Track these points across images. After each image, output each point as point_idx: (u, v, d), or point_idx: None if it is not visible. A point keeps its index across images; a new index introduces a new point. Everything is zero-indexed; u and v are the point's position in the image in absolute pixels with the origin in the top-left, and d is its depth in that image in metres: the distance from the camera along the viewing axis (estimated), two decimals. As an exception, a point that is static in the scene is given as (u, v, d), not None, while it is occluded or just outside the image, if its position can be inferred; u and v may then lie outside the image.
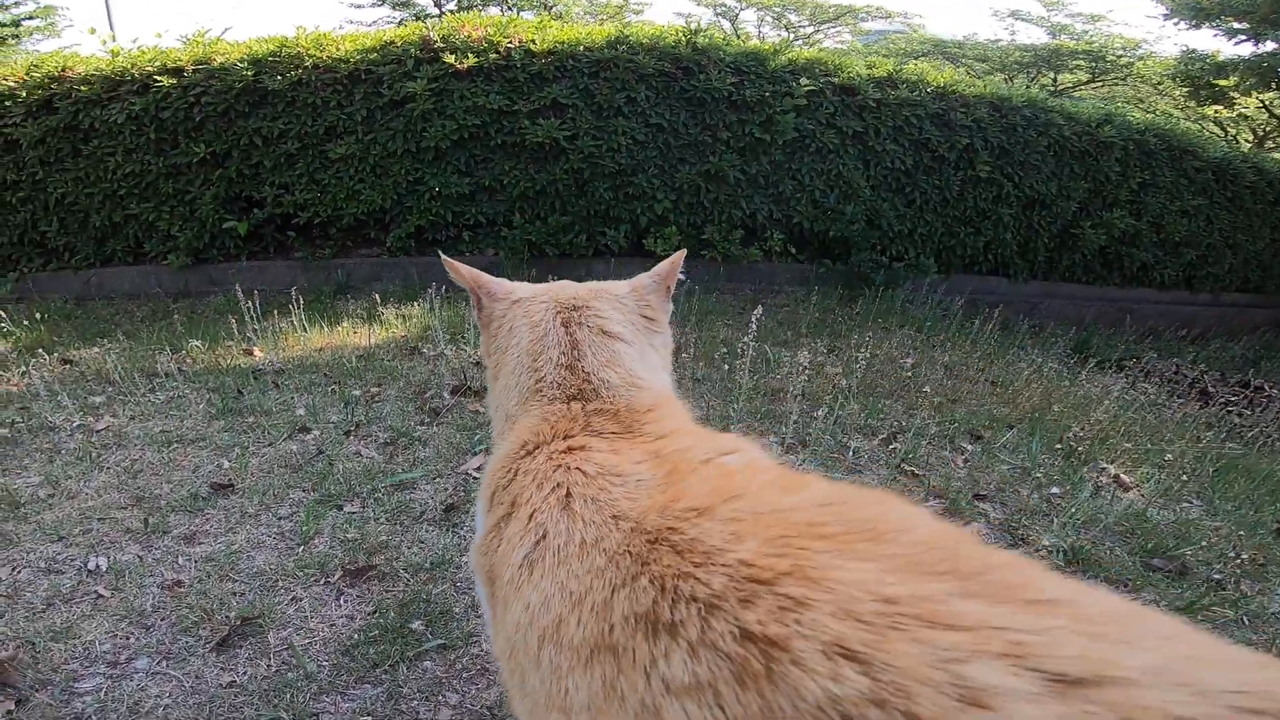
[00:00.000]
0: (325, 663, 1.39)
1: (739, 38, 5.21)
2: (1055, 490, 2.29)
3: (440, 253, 0.95)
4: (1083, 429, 2.70)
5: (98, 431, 2.46)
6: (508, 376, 0.84)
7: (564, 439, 0.73)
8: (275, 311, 3.97)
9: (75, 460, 2.19)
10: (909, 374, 3.30)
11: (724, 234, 4.99)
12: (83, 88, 4.39)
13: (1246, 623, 1.76)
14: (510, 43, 4.61)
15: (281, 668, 1.38)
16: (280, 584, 1.60)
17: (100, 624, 1.49)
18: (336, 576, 1.61)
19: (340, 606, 1.54)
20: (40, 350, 3.61)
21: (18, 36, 11.02)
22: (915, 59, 10.62)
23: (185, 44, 4.80)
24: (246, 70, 4.41)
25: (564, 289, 0.90)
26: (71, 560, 1.67)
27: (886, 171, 5.03)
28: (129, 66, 4.45)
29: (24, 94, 4.42)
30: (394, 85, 4.49)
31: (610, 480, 0.66)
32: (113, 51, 4.64)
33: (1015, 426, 2.81)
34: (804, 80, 4.72)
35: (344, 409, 2.62)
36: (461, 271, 0.93)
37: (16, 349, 3.66)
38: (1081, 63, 11.82)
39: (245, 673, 1.37)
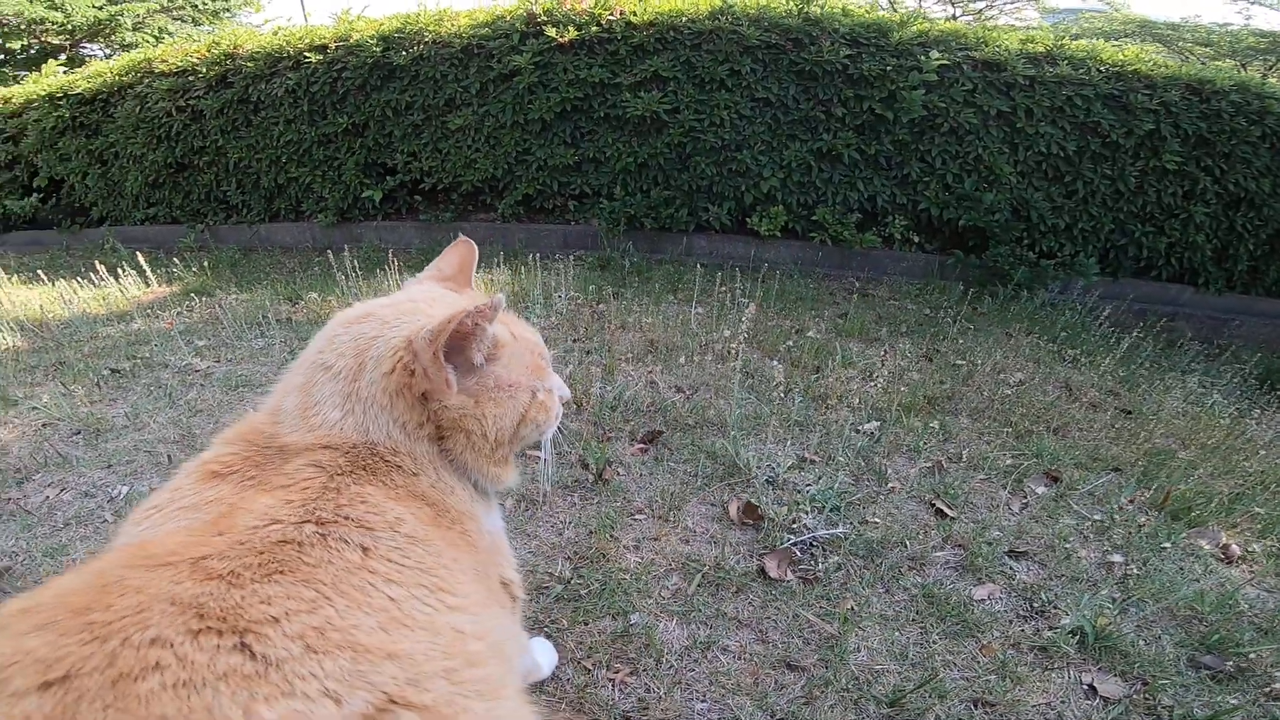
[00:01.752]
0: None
1: (869, 8, 4.64)
2: (1118, 558, 1.81)
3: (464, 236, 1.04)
4: (1206, 480, 2.12)
5: (194, 371, 2.87)
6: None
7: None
8: (379, 270, 4.33)
9: (159, 396, 2.57)
10: (1010, 391, 2.80)
11: (837, 216, 4.58)
12: (249, 64, 5.04)
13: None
14: (611, 15, 4.55)
15: None
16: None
17: (91, 545, 1.74)
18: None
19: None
20: (199, 294, 4.29)
21: (229, 10, 12.77)
22: (1114, 40, 8.91)
23: (335, 21, 5.30)
24: (376, 47, 4.78)
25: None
26: (106, 487, 1.98)
27: (1040, 157, 4.27)
28: (285, 44, 5.03)
29: (205, 70, 5.18)
30: (503, 59, 4.62)
31: None
32: (274, 30, 5.25)
33: (1121, 470, 2.27)
34: (935, 54, 4.13)
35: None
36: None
37: (184, 291, 4.37)
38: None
39: None
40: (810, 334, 3.30)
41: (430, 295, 0.89)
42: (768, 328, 3.37)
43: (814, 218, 4.64)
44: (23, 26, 10.65)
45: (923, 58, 4.16)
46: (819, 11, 4.42)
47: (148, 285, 4.38)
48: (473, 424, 0.79)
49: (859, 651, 1.48)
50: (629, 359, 2.89)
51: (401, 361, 0.76)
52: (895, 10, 4.69)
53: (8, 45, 10.83)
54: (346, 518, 0.65)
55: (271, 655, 0.50)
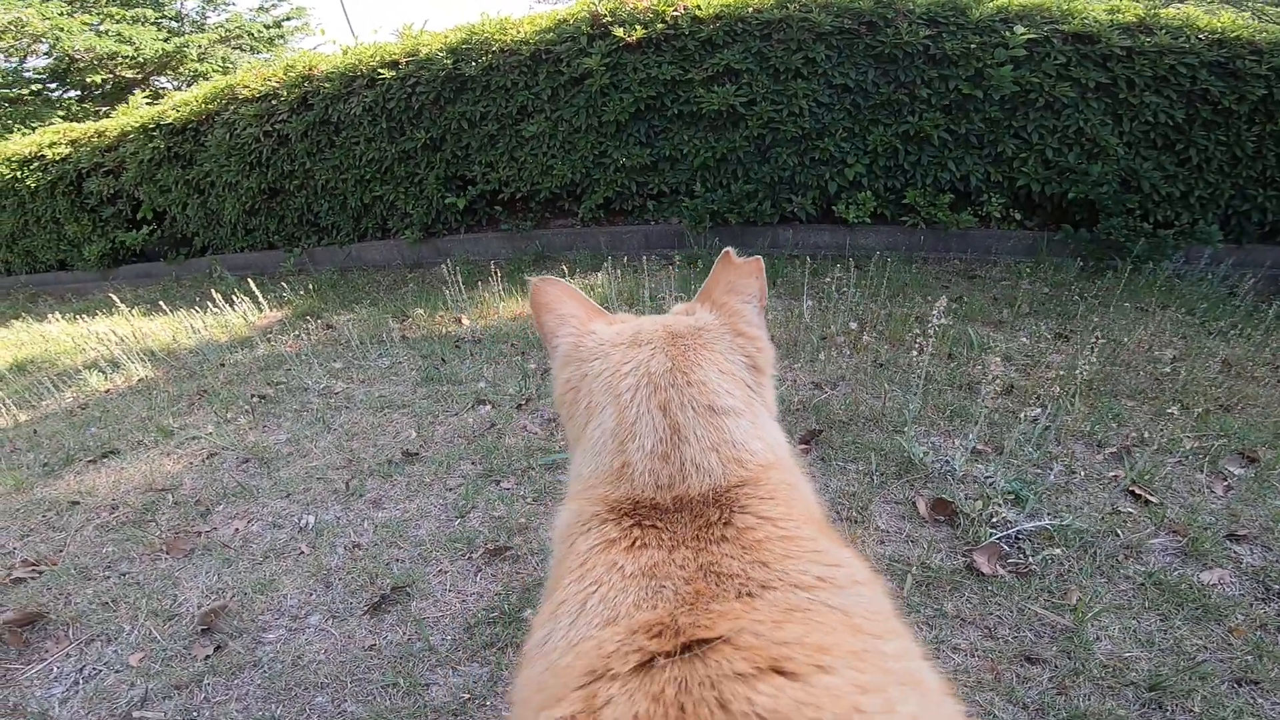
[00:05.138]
0: (448, 637, 1.54)
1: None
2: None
3: (527, 277, 0.88)
4: None
5: (335, 394, 2.97)
6: (588, 452, 0.72)
7: (627, 528, 0.64)
8: (479, 283, 4.41)
9: (313, 421, 2.67)
10: (1167, 370, 2.67)
11: (929, 198, 4.46)
12: (326, 84, 5.19)
13: None
14: (676, 11, 4.53)
15: (412, 637, 1.55)
16: (433, 555, 1.80)
17: (295, 579, 1.78)
18: (479, 553, 1.78)
19: (475, 583, 1.69)
20: (309, 316, 4.45)
21: (283, 37, 13.22)
22: (1173, 4, 8.45)
23: (400, 37, 5.40)
24: (446, 59, 4.87)
25: (651, 343, 0.74)
26: (291, 516, 2.04)
27: (1146, 126, 4.09)
28: (356, 62, 5.15)
29: (285, 93, 5.35)
30: (571, 63, 4.65)
31: (638, 582, 0.59)
32: (344, 49, 5.38)
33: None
34: (1020, 29, 4.00)
35: (520, 381, 2.84)
36: (540, 304, 0.82)
37: (295, 315, 4.54)
38: None
39: (385, 638, 1.56)
40: (934, 320, 3.21)
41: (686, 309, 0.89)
42: (881, 316, 3.30)
43: (904, 201, 4.53)
44: (96, 61, 11.23)
45: (1007, 33, 4.05)
46: None
47: (260, 311, 4.56)
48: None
49: (1100, 641, 1.45)
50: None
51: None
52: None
53: (88, 80, 11.44)
54: (819, 578, 0.58)
55: None
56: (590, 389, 0.75)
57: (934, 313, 2.07)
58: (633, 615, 0.55)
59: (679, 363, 0.72)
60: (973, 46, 4.09)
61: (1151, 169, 4.14)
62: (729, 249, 0.86)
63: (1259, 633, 1.45)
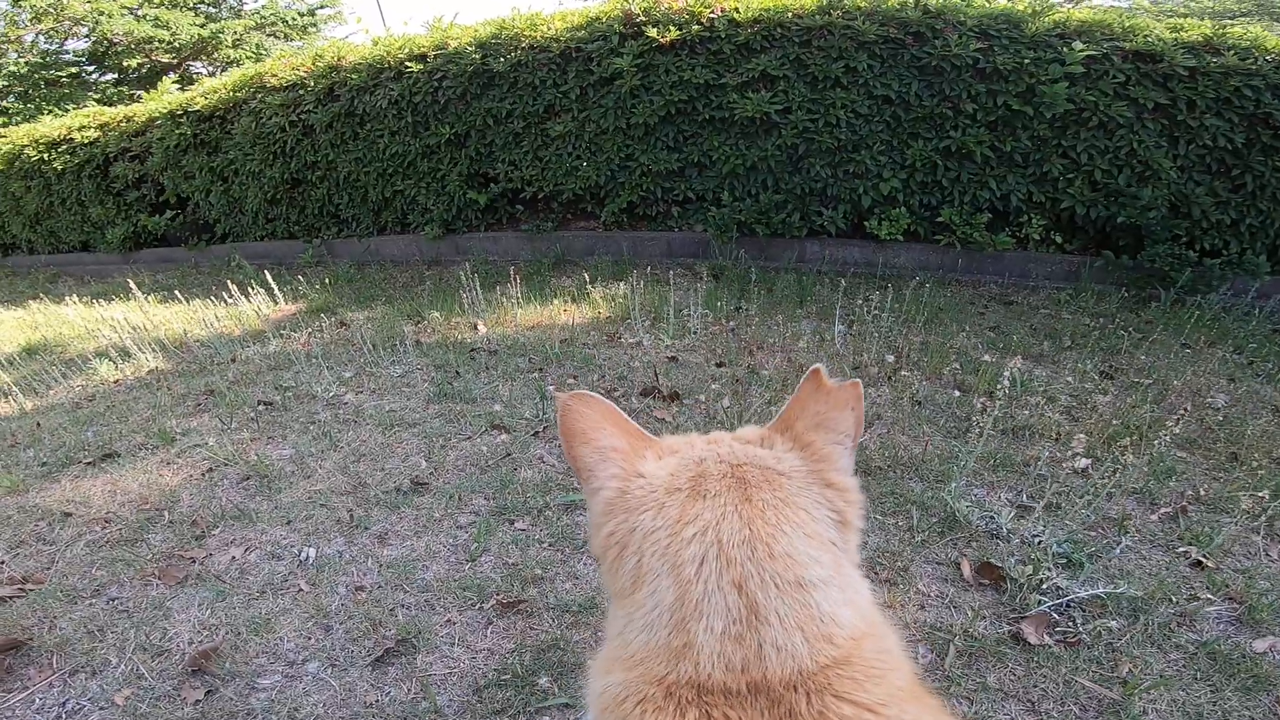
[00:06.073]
0: (455, 698, 1.42)
1: None
2: None
3: (556, 392, 0.72)
4: None
5: (343, 404, 2.87)
6: (637, 620, 0.58)
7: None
8: (498, 287, 4.30)
9: (319, 436, 2.57)
10: (1220, 418, 2.51)
11: (965, 217, 4.29)
12: (354, 76, 5.09)
13: None
14: (712, 13, 4.38)
15: (418, 696, 1.44)
16: (441, 603, 1.68)
17: (293, 620, 1.65)
18: (490, 604, 1.66)
19: (485, 638, 1.57)
20: (323, 312, 4.37)
21: (316, 25, 13.21)
22: (1229, 19, 8.14)
23: (429, 30, 5.29)
24: (474, 54, 4.75)
25: (719, 496, 0.60)
26: (291, 547, 1.92)
27: (1203, 150, 3.89)
28: (384, 54, 5.05)
29: (312, 83, 5.26)
30: (602, 62, 4.53)
31: None
32: (374, 40, 5.29)
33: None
34: (1078, 45, 3.81)
35: (538, 404, 2.72)
36: (574, 432, 0.67)
37: (310, 309, 4.46)
38: None
39: (388, 694, 1.45)
40: (976, 354, 3.06)
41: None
42: (916, 345, 3.15)
43: (939, 219, 4.37)
44: (134, 45, 11.29)
45: (1065, 50, 3.88)
46: (939, 3, 4.14)
47: (275, 303, 4.49)
48: None
49: (1148, 715, 1.37)
50: (781, 386, 2.73)
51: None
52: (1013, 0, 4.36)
53: (124, 63, 11.51)
54: None
55: None
56: (641, 548, 0.60)
57: (1005, 374, 1.92)
58: None
59: (758, 529, 0.58)
60: (1026, 62, 3.91)
61: (1203, 194, 3.95)
62: (819, 366, 0.69)
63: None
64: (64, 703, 1.49)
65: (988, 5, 4.24)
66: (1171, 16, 4.49)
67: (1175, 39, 3.88)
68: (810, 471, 0.64)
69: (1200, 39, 3.89)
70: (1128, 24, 4.01)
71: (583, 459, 0.67)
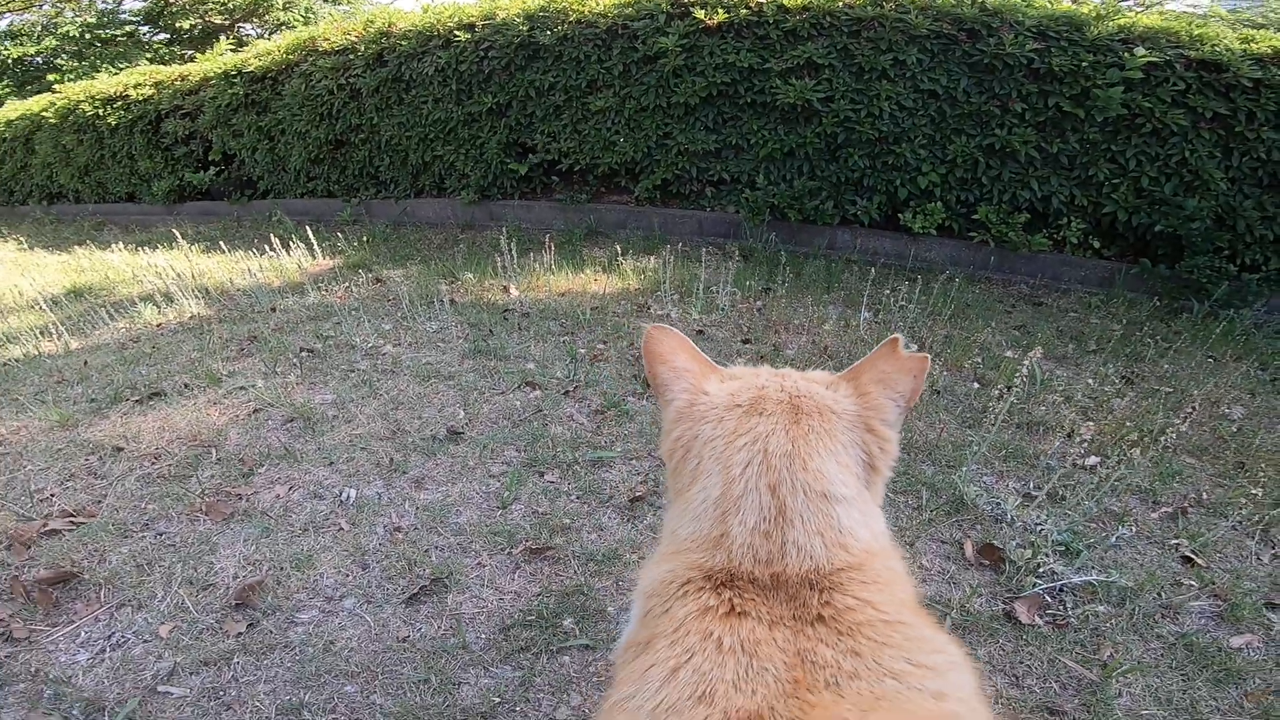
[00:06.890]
0: (483, 636, 1.53)
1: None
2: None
3: (646, 326, 0.82)
4: None
5: (382, 355, 2.99)
6: (687, 513, 0.71)
7: (725, 599, 0.63)
8: (531, 254, 4.39)
9: (359, 384, 2.69)
10: (1234, 429, 2.53)
11: (1003, 216, 4.27)
12: (403, 42, 5.17)
13: None
14: None
15: (447, 633, 1.54)
16: (473, 546, 1.79)
17: (333, 557, 1.74)
18: (519, 550, 1.77)
19: (513, 581, 1.68)
20: (360, 268, 4.50)
21: None
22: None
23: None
24: (522, 25, 4.80)
25: (773, 416, 0.71)
26: (333, 488, 2.03)
27: (1257, 163, 3.82)
28: (435, 22, 5.12)
29: (363, 48, 5.36)
30: (647, 40, 4.54)
31: (736, 659, 0.58)
32: (424, 8, 5.35)
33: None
34: (1140, 50, 3.74)
35: (568, 365, 2.81)
36: (654, 354, 0.79)
37: (347, 265, 4.60)
38: None
39: (420, 630, 1.55)
40: (999, 351, 3.09)
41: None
42: (940, 337, 3.18)
43: (974, 216, 4.35)
44: (189, 5, 11.47)
45: (1126, 55, 3.81)
46: (998, 2, 4.08)
47: (314, 258, 4.63)
48: None
49: (1121, 697, 1.44)
50: (804, 365, 2.78)
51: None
52: (1077, 2, 4.28)
53: (178, 24, 11.71)
54: (920, 665, 0.58)
55: None
56: (700, 452, 0.72)
57: (1025, 364, 1.96)
58: (730, 698, 0.54)
59: (799, 446, 0.69)
60: (1084, 65, 3.86)
61: (1251, 208, 3.89)
62: (897, 335, 0.78)
63: (1271, 698, 1.43)
64: (109, 635, 1.53)
65: (1049, 6, 4.18)
66: (1247, 26, 4.36)
67: (1244, 50, 3.81)
68: (859, 415, 0.74)
69: (1270, 50, 3.81)
70: (1196, 32, 3.92)
71: (660, 376, 0.79)
